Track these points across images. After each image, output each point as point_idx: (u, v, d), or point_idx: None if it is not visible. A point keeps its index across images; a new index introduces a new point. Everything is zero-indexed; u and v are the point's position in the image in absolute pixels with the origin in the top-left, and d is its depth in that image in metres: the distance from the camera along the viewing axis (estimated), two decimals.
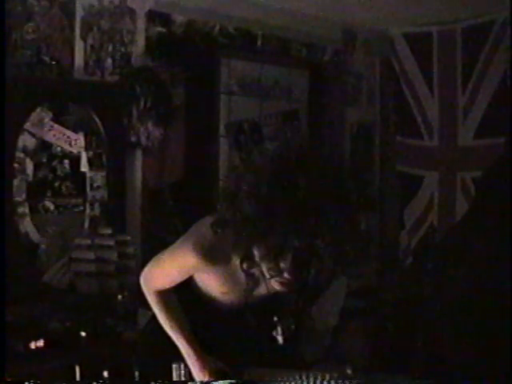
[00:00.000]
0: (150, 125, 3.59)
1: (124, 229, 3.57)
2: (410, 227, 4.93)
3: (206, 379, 2.15)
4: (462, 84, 4.64)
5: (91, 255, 3.35)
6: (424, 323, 3.61)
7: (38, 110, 3.31)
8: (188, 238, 2.06)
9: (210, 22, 4.01)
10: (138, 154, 3.70)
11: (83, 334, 3.00)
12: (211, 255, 1.99)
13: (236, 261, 1.97)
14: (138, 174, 3.72)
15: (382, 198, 5.10)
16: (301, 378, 2.05)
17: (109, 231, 3.45)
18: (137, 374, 2.55)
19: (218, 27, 4.04)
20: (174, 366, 2.21)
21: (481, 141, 4.54)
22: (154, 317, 2.25)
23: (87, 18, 3.50)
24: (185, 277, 2.13)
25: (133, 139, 3.60)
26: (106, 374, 2.91)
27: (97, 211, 3.55)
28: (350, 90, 4.91)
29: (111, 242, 3.41)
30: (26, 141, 3.28)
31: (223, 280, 2.09)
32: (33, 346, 2.85)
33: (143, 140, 3.61)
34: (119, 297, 3.27)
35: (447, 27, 4.67)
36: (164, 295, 2.20)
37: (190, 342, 2.18)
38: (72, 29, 3.44)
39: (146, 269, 2.23)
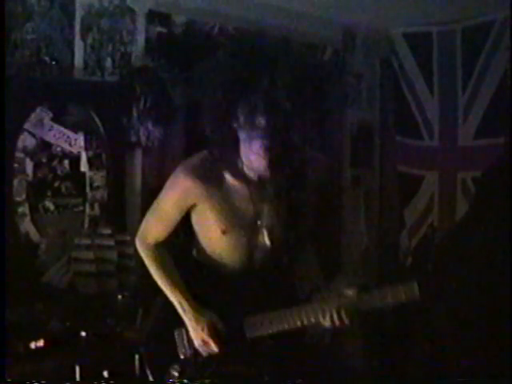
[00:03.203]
0: (149, 125, 3.59)
1: (124, 229, 3.57)
2: (410, 227, 4.93)
3: (202, 331, 2.16)
4: (462, 84, 4.64)
5: (91, 255, 3.36)
6: (424, 323, 3.61)
7: (38, 110, 3.31)
8: (176, 170, 2.14)
9: (210, 21, 4.01)
10: (138, 153, 3.70)
11: (83, 333, 3.00)
12: (202, 175, 2.07)
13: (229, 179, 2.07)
14: (138, 174, 3.72)
15: (381, 197, 5.10)
16: (299, 315, 2.07)
17: (109, 231, 3.45)
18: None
19: (217, 27, 4.04)
20: (175, 333, 2.23)
21: (481, 141, 4.53)
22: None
23: (87, 18, 3.50)
24: (179, 214, 2.17)
25: (133, 139, 3.60)
26: (105, 374, 2.91)
27: (97, 211, 3.55)
28: (350, 90, 4.90)
29: (111, 242, 3.41)
30: (25, 141, 3.28)
31: (222, 212, 2.10)
32: (33, 345, 2.85)
33: (143, 140, 3.61)
34: (119, 297, 3.27)
35: (447, 27, 4.67)
36: (159, 252, 2.27)
37: (185, 296, 2.20)
38: (72, 29, 3.45)
39: (141, 227, 2.30)
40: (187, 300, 2.20)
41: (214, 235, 2.16)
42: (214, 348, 2.15)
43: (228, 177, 2.10)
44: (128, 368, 2.99)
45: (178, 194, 2.15)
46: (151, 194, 3.76)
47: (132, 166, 3.69)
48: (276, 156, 1.97)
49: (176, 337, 2.24)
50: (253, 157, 2.00)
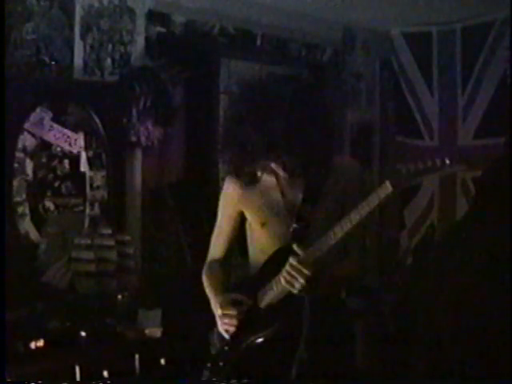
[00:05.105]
0: (149, 125, 3.59)
1: (124, 229, 3.57)
2: (410, 227, 4.93)
3: (219, 307, 2.18)
4: (462, 84, 4.65)
5: (91, 255, 3.35)
6: (424, 323, 3.61)
7: (38, 110, 3.31)
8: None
9: (210, 21, 4.01)
10: (138, 153, 3.70)
11: (83, 334, 3.00)
12: (241, 181, 2.28)
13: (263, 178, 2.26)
14: (138, 174, 3.72)
15: None
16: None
17: (109, 231, 3.45)
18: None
19: (218, 27, 4.04)
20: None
21: (481, 141, 4.54)
22: None
23: (87, 18, 3.50)
24: (230, 224, 2.33)
25: (133, 139, 3.60)
26: (105, 373, 2.91)
27: (97, 211, 3.55)
28: (350, 90, 4.90)
29: (111, 242, 3.41)
30: (26, 141, 3.28)
31: (259, 207, 2.25)
32: (33, 345, 2.85)
33: (143, 140, 3.61)
34: (119, 297, 3.27)
35: (447, 27, 4.68)
36: (210, 266, 2.37)
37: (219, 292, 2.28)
38: (72, 29, 3.45)
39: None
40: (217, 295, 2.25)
41: (255, 232, 2.28)
42: (233, 320, 2.15)
43: (262, 175, 2.27)
44: (128, 368, 2.99)
45: (225, 201, 2.35)
46: (151, 194, 3.80)
47: (132, 166, 3.69)
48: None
49: (209, 336, 2.28)
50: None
